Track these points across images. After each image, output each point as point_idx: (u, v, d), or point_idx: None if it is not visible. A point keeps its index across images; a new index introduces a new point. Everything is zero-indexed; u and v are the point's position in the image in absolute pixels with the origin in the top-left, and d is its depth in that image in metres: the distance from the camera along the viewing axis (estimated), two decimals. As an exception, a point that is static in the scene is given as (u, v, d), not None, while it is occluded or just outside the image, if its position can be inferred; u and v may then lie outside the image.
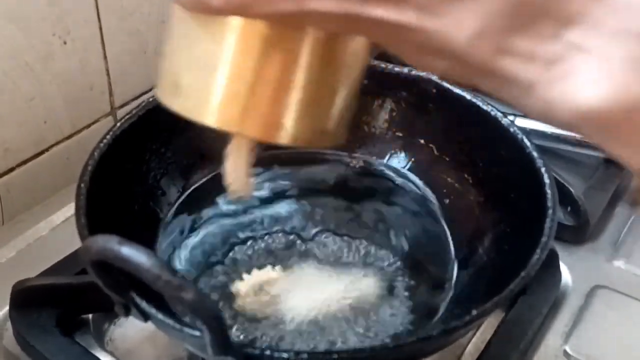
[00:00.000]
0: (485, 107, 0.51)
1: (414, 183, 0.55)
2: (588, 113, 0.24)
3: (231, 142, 0.35)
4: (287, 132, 0.30)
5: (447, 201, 0.54)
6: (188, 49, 0.30)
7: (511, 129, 0.49)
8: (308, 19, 0.27)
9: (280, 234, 0.52)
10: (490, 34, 0.25)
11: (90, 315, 0.49)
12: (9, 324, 0.48)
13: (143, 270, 0.32)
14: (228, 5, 0.27)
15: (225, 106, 0.29)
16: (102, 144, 0.48)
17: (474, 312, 0.38)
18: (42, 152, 0.61)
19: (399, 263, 0.50)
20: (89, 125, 0.65)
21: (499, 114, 0.51)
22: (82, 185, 0.44)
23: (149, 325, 0.40)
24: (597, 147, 0.26)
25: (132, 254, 0.32)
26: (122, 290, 0.37)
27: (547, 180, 0.45)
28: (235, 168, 0.36)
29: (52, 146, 0.62)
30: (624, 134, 0.24)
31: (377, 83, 0.56)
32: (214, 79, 0.29)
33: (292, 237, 0.52)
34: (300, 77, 0.29)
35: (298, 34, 0.29)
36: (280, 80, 0.29)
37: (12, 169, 0.59)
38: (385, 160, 0.57)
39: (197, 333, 0.35)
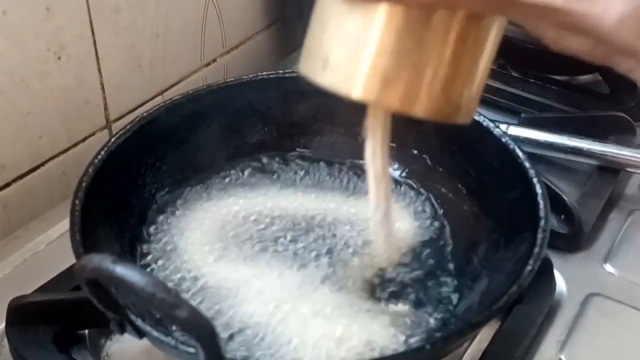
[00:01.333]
0: (477, 118, 0.52)
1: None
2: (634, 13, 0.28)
3: (369, 119, 0.38)
4: (424, 105, 0.33)
5: (441, 211, 0.54)
6: (338, 27, 0.33)
7: (503, 139, 0.50)
8: (462, 1, 0.30)
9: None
10: (636, 17, 0.28)
11: (86, 331, 0.49)
12: (5, 341, 0.48)
13: (137, 289, 0.32)
14: None
15: (370, 78, 0.32)
16: (96, 160, 0.48)
17: (468, 324, 0.38)
18: (38, 167, 0.62)
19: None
20: (84, 139, 0.65)
21: (491, 124, 0.51)
22: (77, 201, 0.44)
23: (146, 340, 0.40)
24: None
25: (126, 273, 0.32)
26: (117, 308, 0.37)
27: (539, 191, 0.45)
28: (375, 152, 0.39)
29: (48, 160, 0.62)
30: None
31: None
32: (362, 53, 0.32)
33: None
34: (442, 54, 0.32)
35: (444, 13, 0.32)
36: (421, 56, 0.32)
37: (8, 184, 0.59)
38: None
39: (192, 350, 0.35)
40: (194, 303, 0.46)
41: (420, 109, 0.33)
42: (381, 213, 0.42)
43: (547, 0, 0.29)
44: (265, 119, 0.58)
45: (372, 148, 0.40)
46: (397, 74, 0.32)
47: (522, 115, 0.68)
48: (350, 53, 0.32)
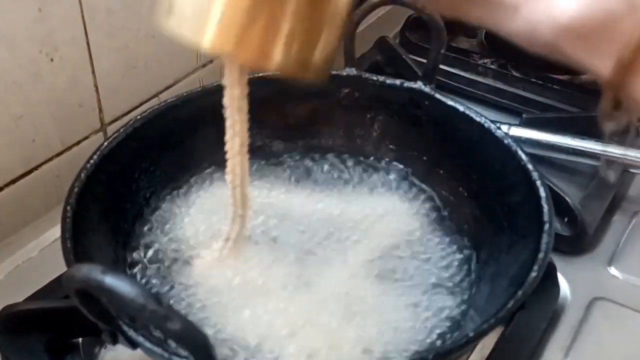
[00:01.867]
0: (478, 119, 0.51)
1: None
2: (566, 26, 0.28)
3: (225, 76, 0.37)
4: (274, 60, 0.32)
5: (445, 213, 0.53)
6: None
7: (505, 141, 0.49)
8: None
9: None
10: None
11: (80, 339, 0.48)
12: (-3, 350, 0.47)
13: (127, 300, 0.31)
14: None
15: (221, 30, 0.31)
16: (89, 165, 0.47)
17: (471, 333, 0.37)
18: (31, 171, 0.60)
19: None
20: (79, 142, 0.64)
21: (493, 126, 0.50)
22: (68, 207, 0.43)
23: (140, 350, 0.39)
24: (572, 69, 0.30)
25: (116, 283, 0.31)
26: (109, 318, 0.36)
27: (543, 194, 0.44)
28: (232, 99, 0.38)
29: (41, 164, 0.61)
30: (596, 44, 0.28)
31: (368, 96, 0.56)
32: (212, 3, 0.31)
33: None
34: (290, 8, 0.31)
35: None
36: (272, 9, 0.31)
37: (0, 189, 0.58)
38: (379, 173, 0.56)
39: (186, 362, 0.34)
40: (192, 310, 0.45)
41: (273, 64, 0.32)
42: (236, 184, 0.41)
43: None
44: (261, 120, 0.57)
45: (230, 104, 0.39)
46: (246, 27, 0.31)
47: (524, 115, 0.67)
48: (199, 1, 0.31)
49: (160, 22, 0.33)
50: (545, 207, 0.43)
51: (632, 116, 0.33)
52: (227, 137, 0.40)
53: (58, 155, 0.62)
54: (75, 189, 0.45)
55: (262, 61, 0.32)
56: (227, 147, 0.41)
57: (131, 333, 0.36)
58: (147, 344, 0.36)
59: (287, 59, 0.32)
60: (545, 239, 0.42)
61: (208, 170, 0.55)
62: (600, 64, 0.29)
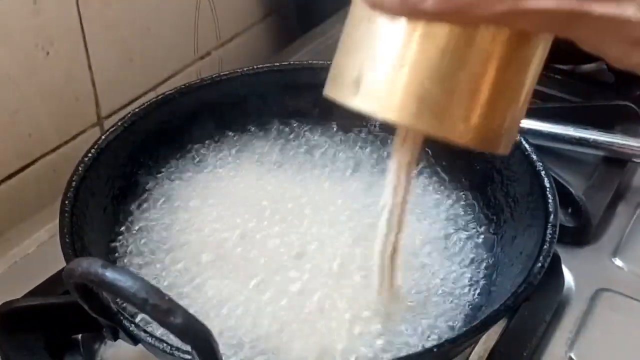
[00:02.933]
0: (481, 109, 0.50)
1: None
2: None
3: (398, 145, 0.36)
4: (463, 132, 0.30)
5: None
6: (373, 45, 0.30)
7: (509, 131, 0.48)
8: (523, 18, 0.27)
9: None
10: None
11: (79, 336, 0.48)
12: (-4, 347, 0.47)
13: (129, 294, 0.30)
14: (444, 8, 0.27)
15: (407, 101, 0.30)
16: (86, 158, 0.46)
17: (475, 325, 0.36)
18: (27, 166, 0.60)
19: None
20: (75, 137, 0.63)
21: (496, 116, 0.49)
22: (67, 202, 0.43)
23: (141, 345, 0.38)
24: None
25: (117, 277, 0.31)
26: (110, 313, 0.36)
27: (547, 185, 0.44)
28: (400, 168, 0.37)
29: (37, 159, 0.61)
30: None
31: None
32: (400, 74, 0.30)
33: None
34: (485, 77, 0.30)
35: (491, 31, 0.29)
36: (462, 79, 0.30)
37: (-3, 185, 0.57)
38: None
39: (188, 356, 0.33)
40: (191, 301, 0.44)
41: (459, 136, 0.30)
42: (389, 238, 0.39)
43: (617, 11, 0.26)
44: (261, 113, 0.56)
45: (395, 173, 0.37)
46: (437, 98, 0.30)
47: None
48: (386, 74, 0.30)
49: (343, 99, 0.31)
50: (550, 198, 0.43)
51: None
52: (388, 193, 0.38)
53: (54, 149, 0.62)
54: (74, 183, 0.44)
55: (458, 136, 0.30)
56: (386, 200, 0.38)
57: (132, 328, 0.36)
58: (149, 339, 0.35)
59: (474, 131, 0.31)
60: (550, 229, 0.41)
61: (207, 162, 0.54)
62: None
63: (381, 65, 0.30)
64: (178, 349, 0.35)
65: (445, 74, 0.30)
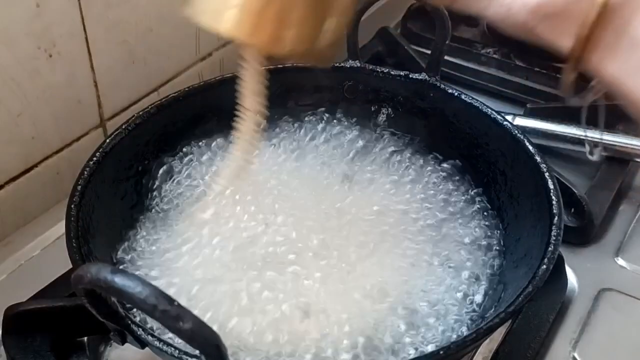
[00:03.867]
0: (485, 110, 0.50)
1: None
2: (534, 7, 0.32)
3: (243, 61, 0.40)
4: (287, 44, 0.35)
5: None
6: None
7: (512, 132, 0.48)
8: None
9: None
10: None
11: (85, 338, 0.48)
12: (2, 350, 0.47)
13: (138, 300, 0.30)
14: None
15: (238, 17, 0.34)
16: (91, 162, 0.46)
17: (481, 328, 0.36)
18: (31, 169, 0.60)
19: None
20: (78, 139, 0.63)
21: (499, 117, 0.49)
22: (72, 206, 0.43)
23: (147, 348, 0.39)
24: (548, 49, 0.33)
25: (126, 283, 0.31)
26: (117, 318, 0.36)
27: (551, 186, 0.44)
28: (249, 91, 0.41)
29: (41, 162, 0.60)
30: (559, 23, 0.32)
31: (372, 88, 0.55)
32: None
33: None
34: None
35: None
36: None
37: (0, 187, 0.57)
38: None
39: (197, 361, 0.33)
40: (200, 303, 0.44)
41: (284, 48, 0.35)
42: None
43: None
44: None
45: (247, 86, 0.41)
46: (261, 15, 0.34)
47: (528, 105, 0.66)
48: None
49: (189, 12, 0.35)
50: (554, 200, 0.43)
51: (597, 91, 0.39)
52: (242, 116, 0.43)
53: (58, 152, 0.62)
54: (79, 187, 0.44)
55: (276, 45, 0.35)
56: (239, 126, 0.43)
57: (140, 332, 0.36)
58: (156, 343, 0.35)
59: (298, 43, 0.35)
60: (554, 231, 0.41)
61: (211, 164, 0.54)
62: (563, 42, 0.32)
63: None
64: (186, 353, 0.35)
65: None
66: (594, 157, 0.60)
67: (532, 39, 0.33)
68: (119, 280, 0.31)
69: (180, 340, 0.31)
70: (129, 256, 0.48)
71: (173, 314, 0.30)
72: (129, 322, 0.36)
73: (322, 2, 0.35)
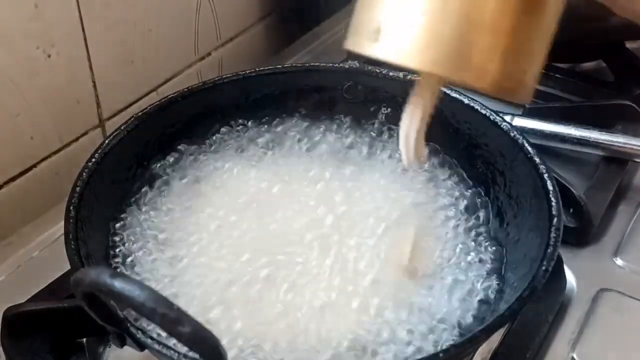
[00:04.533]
0: (483, 111, 0.50)
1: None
2: None
3: (417, 92, 0.37)
4: (493, 78, 0.30)
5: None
6: None
7: (511, 133, 0.48)
8: None
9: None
10: None
11: (84, 339, 0.48)
12: (1, 351, 0.47)
13: (137, 304, 0.31)
14: None
15: (437, 49, 0.30)
16: (90, 163, 0.46)
17: (480, 330, 0.37)
18: (29, 169, 0.60)
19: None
20: (77, 139, 0.63)
21: (498, 118, 0.49)
22: (71, 208, 0.43)
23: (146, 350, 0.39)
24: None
25: (125, 287, 0.31)
26: (117, 321, 0.36)
27: (550, 188, 0.44)
28: (413, 123, 0.38)
29: (39, 162, 0.61)
30: None
31: (372, 88, 0.55)
32: (419, 19, 0.30)
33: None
34: (509, 22, 0.30)
35: None
36: (488, 24, 0.30)
37: (-1, 188, 0.57)
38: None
39: (196, 364, 0.33)
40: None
41: (478, 80, 0.31)
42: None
43: None
44: (264, 115, 0.56)
45: (410, 117, 0.38)
46: (458, 43, 0.30)
47: (527, 105, 0.66)
48: (406, 20, 0.31)
49: (365, 49, 0.32)
50: (554, 201, 0.43)
51: None
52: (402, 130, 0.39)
53: (56, 152, 0.62)
54: (78, 189, 0.44)
55: (479, 80, 0.31)
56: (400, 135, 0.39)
57: (139, 335, 0.36)
58: (156, 346, 0.35)
59: (503, 78, 0.31)
60: (553, 233, 0.41)
61: (212, 167, 0.54)
62: None
63: (401, 12, 0.31)
64: (185, 355, 0.35)
65: (461, 18, 0.30)
66: None
67: None
68: (118, 284, 0.31)
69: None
70: (127, 256, 0.48)
71: (172, 318, 0.30)
72: (128, 324, 0.36)
73: (529, 31, 0.31)
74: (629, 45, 0.72)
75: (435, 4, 0.30)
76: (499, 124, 0.49)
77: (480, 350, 0.48)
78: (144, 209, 0.51)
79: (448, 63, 0.30)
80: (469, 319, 0.43)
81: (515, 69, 0.31)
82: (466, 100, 0.51)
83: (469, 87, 0.31)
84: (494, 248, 0.47)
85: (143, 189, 0.52)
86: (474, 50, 0.30)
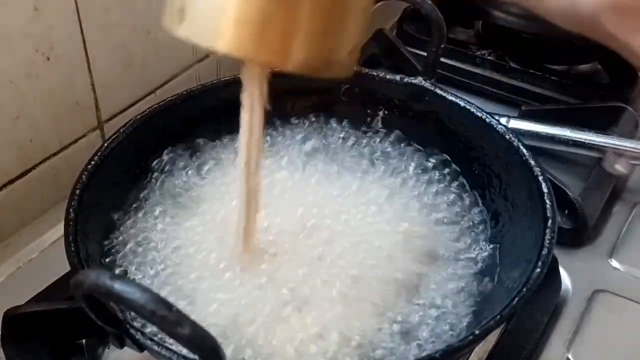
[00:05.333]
0: (479, 114, 0.51)
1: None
2: (610, 2, 0.28)
3: (244, 76, 0.36)
4: (295, 59, 0.30)
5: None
6: None
7: (507, 136, 0.49)
8: None
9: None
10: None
11: (84, 340, 0.48)
12: (0, 353, 0.47)
13: (137, 306, 0.31)
14: None
15: (238, 32, 0.30)
16: (89, 166, 0.47)
17: (474, 332, 0.37)
18: (28, 171, 0.60)
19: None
20: (76, 141, 0.63)
21: (494, 121, 0.50)
22: (71, 211, 0.43)
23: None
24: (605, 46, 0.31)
25: (125, 289, 0.31)
26: (116, 322, 0.36)
27: (545, 190, 0.44)
28: (252, 101, 0.37)
29: (39, 164, 0.61)
30: (632, 18, 0.28)
31: (369, 91, 0.56)
32: (227, 4, 0.30)
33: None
34: (308, 2, 0.30)
35: None
36: (290, 5, 0.29)
37: (-1, 190, 0.58)
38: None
39: (195, 365, 0.34)
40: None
41: (295, 63, 0.31)
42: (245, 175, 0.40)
43: None
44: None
45: (248, 107, 0.38)
46: (264, 26, 0.30)
47: (522, 107, 0.67)
48: (206, 0, 0.30)
49: (170, 28, 0.31)
50: (548, 204, 0.44)
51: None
52: (243, 132, 0.39)
53: (55, 154, 0.62)
54: (77, 192, 0.44)
55: (282, 61, 0.30)
56: (241, 142, 0.39)
57: (139, 337, 0.36)
58: (155, 347, 0.36)
59: (308, 57, 0.31)
60: (548, 235, 0.42)
61: (211, 169, 0.54)
62: (634, 37, 0.29)
63: None
64: (185, 357, 0.35)
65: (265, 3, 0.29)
66: (617, 171, 0.58)
67: (598, 36, 0.31)
68: (118, 286, 0.31)
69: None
70: (126, 257, 0.48)
71: (171, 320, 0.31)
72: (128, 326, 0.37)
73: (335, 8, 0.31)
74: (624, 47, 0.72)
75: None
76: (495, 126, 0.49)
77: (476, 350, 0.48)
78: (142, 211, 0.51)
79: (250, 45, 0.30)
80: (463, 321, 0.43)
81: (320, 48, 0.31)
82: (462, 103, 0.52)
83: (275, 68, 0.31)
84: (489, 249, 0.48)
85: (142, 191, 0.52)
86: (275, 32, 0.30)
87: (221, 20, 0.30)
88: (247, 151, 0.40)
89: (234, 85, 0.53)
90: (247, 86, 0.37)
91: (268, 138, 0.56)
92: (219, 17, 0.30)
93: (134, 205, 0.51)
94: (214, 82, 0.54)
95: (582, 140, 0.61)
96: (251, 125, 0.39)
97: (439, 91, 0.52)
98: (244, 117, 0.39)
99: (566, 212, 0.56)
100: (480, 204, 0.51)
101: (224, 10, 0.30)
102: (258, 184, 0.41)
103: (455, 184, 0.52)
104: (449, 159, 0.53)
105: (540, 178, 0.45)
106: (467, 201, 0.51)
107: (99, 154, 0.47)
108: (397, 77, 0.54)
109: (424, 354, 0.39)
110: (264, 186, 0.43)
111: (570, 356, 0.48)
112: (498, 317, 0.38)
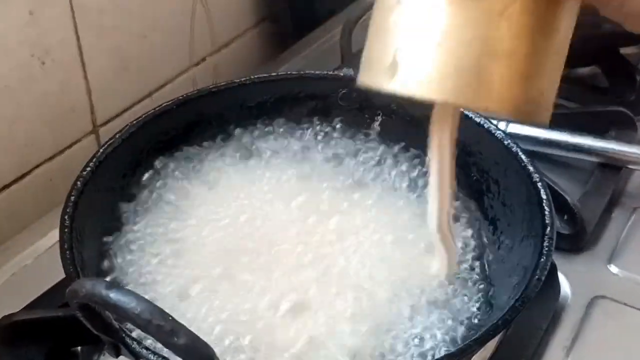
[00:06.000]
0: (477, 119, 0.50)
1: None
2: None
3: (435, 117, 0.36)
4: (511, 102, 0.30)
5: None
6: (406, 29, 0.31)
7: (505, 142, 0.48)
8: None
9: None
10: None
11: (79, 348, 0.48)
12: (-4, 360, 0.47)
13: (133, 315, 0.31)
14: None
15: (458, 80, 0.30)
16: (84, 172, 0.46)
17: (473, 340, 0.37)
18: (24, 176, 0.60)
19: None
20: (71, 145, 0.63)
21: (492, 126, 0.50)
22: (66, 217, 0.43)
23: None
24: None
25: (120, 298, 0.31)
26: (112, 331, 0.36)
27: (544, 196, 0.44)
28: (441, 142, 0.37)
29: (34, 169, 0.61)
30: None
31: (366, 96, 0.55)
32: (438, 52, 0.30)
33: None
34: (525, 46, 0.30)
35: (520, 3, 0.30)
36: (505, 50, 0.30)
37: (-7, 195, 0.57)
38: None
39: (191, 375, 0.33)
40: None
41: (505, 109, 0.30)
42: (437, 221, 0.39)
43: None
44: (260, 123, 0.56)
45: (438, 145, 0.37)
46: (479, 71, 0.30)
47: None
48: (422, 53, 0.30)
49: (374, 83, 0.31)
50: (547, 210, 0.43)
51: None
52: (432, 182, 0.38)
53: (51, 158, 0.62)
54: (72, 198, 0.44)
55: (501, 106, 0.30)
56: (431, 191, 0.39)
57: (134, 346, 0.36)
58: (151, 357, 0.35)
59: (522, 101, 0.31)
60: (547, 242, 0.42)
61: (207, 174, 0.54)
62: None
63: (416, 44, 0.30)
64: (180, 366, 0.35)
65: (482, 45, 0.30)
66: None
67: None
68: (114, 296, 0.31)
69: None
70: (122, 263, 0.48)
71: (167, 329, 0.31)
72: (124, 335, 0.36)
73: (543, 57, 0.31)
74: (623, 51, 0.72)
75: (451, 35, 0.30)
76: (493, 132, 0.49)
77: (475, 357, 0.48)
78: (138, 217, 0.51)
79: (469, 93, 0.30)
80: (462, 328, 0.43)
81: (534, 91, 0.31)
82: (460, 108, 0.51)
83: (489, 113, 0.31)
84: (487, 256, 0.47)
85: (137, 197, 0.52)
86: (493, 77, 0.30)
87: (440, 72, 0.30)
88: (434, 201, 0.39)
89: (230, 91, 0.55)
90: (439, 126, 0.37)
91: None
92: (436, 69, 0.30)
93: (130, 211, 0.51)
94: (210, 87, 0.54)
95: (581, 145, 0.61)
96: (441, 175, 0.38)
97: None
98: (433, 164, 0.38)
99: (565, 217, 0.56)
100: (479, 210, 0.50)
101: (440, 62, 0.30)
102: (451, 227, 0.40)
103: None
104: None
105: (539, 184, 0.45)
106: (465, 206, 0.51)
107: (94, 160, 0.47)
108: (395, 82, 0.53)
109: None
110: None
111: (569, 363, 0.48)
112: (495, 325, 0.37)
